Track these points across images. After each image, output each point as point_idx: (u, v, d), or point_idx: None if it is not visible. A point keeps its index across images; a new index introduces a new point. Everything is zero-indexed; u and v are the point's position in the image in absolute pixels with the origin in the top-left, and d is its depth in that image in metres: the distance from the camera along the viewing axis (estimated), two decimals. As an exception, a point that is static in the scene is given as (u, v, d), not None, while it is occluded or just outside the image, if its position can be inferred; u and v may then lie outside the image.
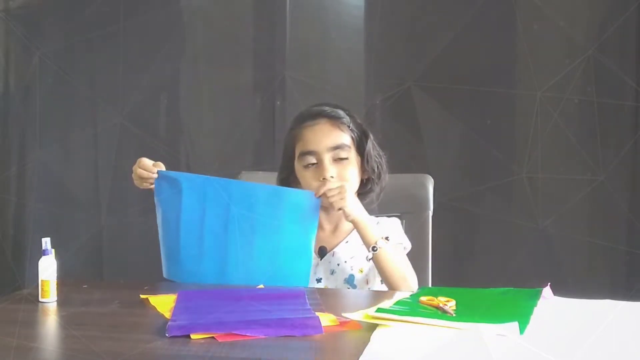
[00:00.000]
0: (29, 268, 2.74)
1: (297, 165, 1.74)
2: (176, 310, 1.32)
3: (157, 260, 2.70)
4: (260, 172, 1.96)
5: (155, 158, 2.71)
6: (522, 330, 1.14)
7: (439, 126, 2.55)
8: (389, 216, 1.82)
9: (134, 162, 1.70)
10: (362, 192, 1.77)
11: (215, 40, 2.71)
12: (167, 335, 1.16)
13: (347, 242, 1.75)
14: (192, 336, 1.15)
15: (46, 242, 1.43)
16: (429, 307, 1.28)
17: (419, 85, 2.51)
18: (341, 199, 1.59)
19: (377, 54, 2.60)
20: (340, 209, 1.60)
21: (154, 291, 1.46)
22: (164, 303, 1.37)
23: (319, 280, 1.72)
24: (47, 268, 1.41)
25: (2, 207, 2.83)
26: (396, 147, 2.55)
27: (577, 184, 2.44)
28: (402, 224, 1.82)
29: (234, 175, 1.85)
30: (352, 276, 1.71)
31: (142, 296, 1.42)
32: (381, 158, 1.78)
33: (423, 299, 1.32)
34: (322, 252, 1.74)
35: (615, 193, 2.41)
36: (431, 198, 1.87)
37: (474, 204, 2.46)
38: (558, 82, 2.42)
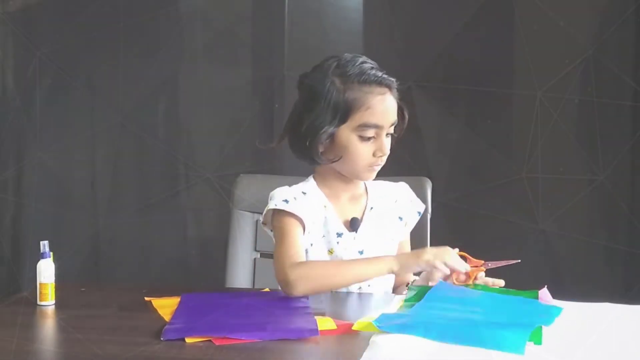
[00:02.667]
0: (28, 268, 2.74)
1: (349, 133, 1.54)
2: (177, 313, 1.32)
3: (155, 261, 2.72)
4: (259, 175, 1.95)
5: (154, 158, 2.74)
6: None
7: (439, 126, 2.55)
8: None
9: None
10: None
11: (214, 40, 2.71)
12: (161, 338, 1.16)
13: (371, 208, 1.64)
14: (187, 340, 1.15)
15: (44, 244, 1.42)
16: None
17: (419, 85, 2.51)
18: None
19: (377, 54, 2.59)
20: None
21: (158, 293, 1.46)
22: (166, 306, 1.37)
23: (361, 252, 1.61)
24: (46, 271, 1.40)
25: (1, 208, 2.83)
26: (396, 147, 2.56)
27: (577, 184, 2.44)
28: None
29: (232, 177, 1.85)
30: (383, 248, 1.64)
31: (146, 298, 1.42)
32: None
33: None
34: (355, 223, 1.61)
35: (615, 193, 2.41)
36: (429, 200, 1.86)
37: (473, 204, 2.46)
38: (558, 82, 2.42)
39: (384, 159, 1.59)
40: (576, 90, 2.41)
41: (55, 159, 2.79)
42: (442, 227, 1.97)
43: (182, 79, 2.74)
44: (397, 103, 1.59)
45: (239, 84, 2.69)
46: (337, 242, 1.59)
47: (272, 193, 1.59)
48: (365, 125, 1.54)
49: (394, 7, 2.54)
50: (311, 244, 1.58)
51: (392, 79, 1.59)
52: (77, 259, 2.71)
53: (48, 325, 1.32)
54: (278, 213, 1.55)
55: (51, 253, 1.43)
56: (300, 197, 1.58)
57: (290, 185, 1.64)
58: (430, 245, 1.86)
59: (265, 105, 2.65)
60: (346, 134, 1.55)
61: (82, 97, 2.76)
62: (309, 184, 1.64)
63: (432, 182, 1.89)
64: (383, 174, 1.85)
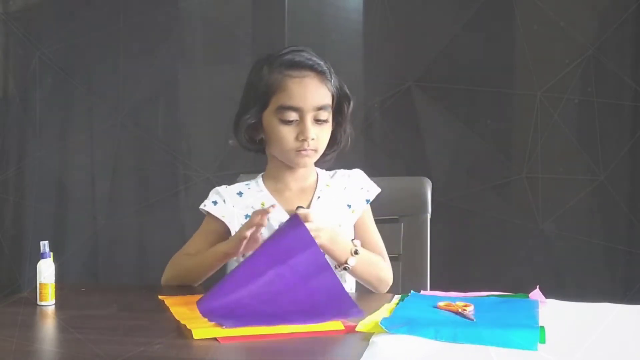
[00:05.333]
0: (28, 268, 2.74)
1: (271, 117, 1.59)
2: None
3: (154, 261, 2.71)
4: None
5: (154, 158, 2.74)
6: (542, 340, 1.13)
7: (439, 126, 2.55)
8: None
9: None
10: (323, 154, 1.66)
11: (214, 40, 2.71)
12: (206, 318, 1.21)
13: (319, 197, 1.66)
14: (195, 336, 1.16)
15: (44, 244, 1.43)
16: (448, 312, 1.28)
17: (419, 85, 2.51)
18: (317, 237, 1.43)
19: (377, 54, 2.60)
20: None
21: (158, 293, 1.46)
22: (178, 304, 1.37)
23: None
24: (46, 271, 1.41)
25: (1, 208, 2.83)
26: (396, 147, 2.57)
27: (577, 184, 2.44)
28: (400, 227, 1.81)
29: (232, 176, 1.84)
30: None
31: (160, 297, 1.42)
32: (351, 127, 1.68)
33: (441, 303, 1.31)
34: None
35: (615, 193, 2.41)
36: (429, 201, 1.86)
37: (473, 204, 2.45)
38: (558, 82, 2.41)
39: (315, 144, 1.58)
40: (576, 90, 2.41)
41: (55, 159, 2.79)
42: (442, 227, 1.97)
43: (182, 79, 2.74)
44: (334, 89, 1.60)
45: (239, 84, 2.68)
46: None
47: (211, 191, 1.69)
48: (282, 107, 1.57)
49: (394, 7, 2.54)
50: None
51: (317, 62, 1.60)
52: (77, 259, 2.71)
53: (48, 325, 1.32)
54: (207, 212, 1.65)
55: (51, 253, 1.43)
56: (232, 199, 1.66)
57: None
58: (430, 245, 1.86)
59: (265, 106, 2.65)
60: (269, 118, 1.60)
61: (82, 97, 2.76)
62: (254, 182, 1.70)
63: (432, 182, 1.89)
64: (383, 174, 1.86)
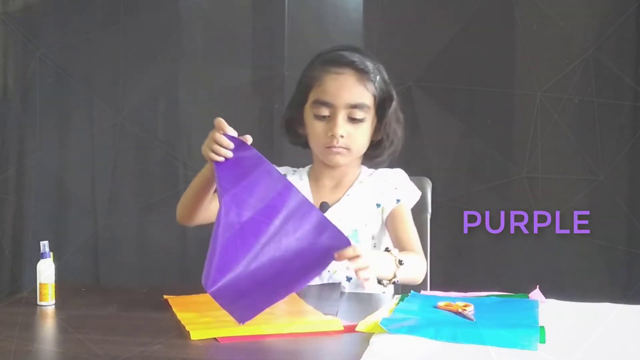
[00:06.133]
0: (28, 268, 2.74)
1: (308, 111, 1.63)
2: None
3: (155, 261, 2.71)
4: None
5: (154, 158, 2.73)
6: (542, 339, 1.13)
7: (439, 126, 2.55)
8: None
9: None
10: (370, 156, 1.69)
11: (214, 40, 2.71)
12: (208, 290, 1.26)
13: (348, 195, 1.69)
14: (192, 337, 1.16)
15: (44, 244, 1.43)
16: (448, 312, 1.28)
17: (419, 85, 2.51)
18: (367, 270, 1.35)
19: (377, 54, 2.59)
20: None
21: (159, 294, 1.46)
22: (181, 304, 1.38)
23: None
24: (46, 271, 1.41)
25: (1, 208, 2.83)
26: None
27: (577, 184, 2.44)
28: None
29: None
30: (355, 231, 1.66)
31: (165, 297, 1.42)
32: (400, 128, 1.67)
33: (441, 303, 1.31)
34: (323, 208, 1.66)
35: (615, 193, 2.41)
36: (429, 201, 1.86)
37: (473, 204, 2.45)
38: (558, 82, 2.41)
39: (346, 143, 1.59)
40: (576, 90, 2.41)
41: (55, 159, 2.78)
42: (442, 227, 1.97)
43: (182, 79, 2.74)
44: (376, 90, 1.60)
45: (239, 84, 2.69)
46: None
47: None
48: (316, 102, 1.59)
49: (394, 7, 2.53)
50: None
51: (360, 60, 1.60)
52: (77, 259, 2.71)
53: (48, 325, 1.32)
54: None
55: (51, 253, 1.43)
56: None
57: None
58: (430, 245, 1.86)
59: (265, 105, 2.65)
60: (307, 112, 1.63)
61: (82, 97, 2.76)
62: (301, 170, 1.74)
63: (432, 182, 1.89)
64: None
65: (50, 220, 2.78)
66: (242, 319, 1.20)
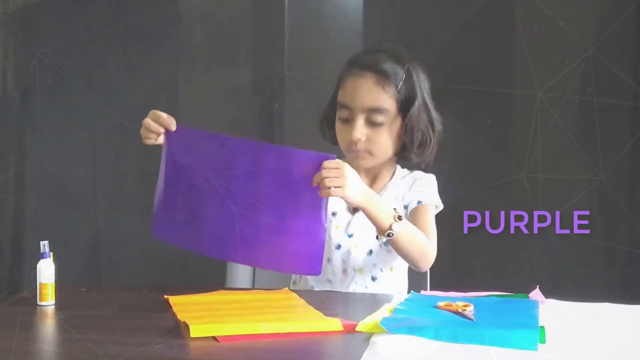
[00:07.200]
0: (28, 268, 2.74)
1: (337, 113, 1.63)
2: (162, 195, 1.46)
3: (155, 261, 2.71)
4: None
5: (154, 158, 2.72)
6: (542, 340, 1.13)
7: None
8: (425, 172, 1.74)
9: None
10: (401, 157, 1.67)
11: (214, 40, 2.71)
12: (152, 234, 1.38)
13: (380, 196, 1.65)
14: (192, 334, 1.16)
15: (44, 244, 1.43)
16: (448, 312, 1.28)
17: (419, 85, 2.51)
18: (339, 186, 1.38)
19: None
20: (341, 198, 1.42)
21: (159, 293, 1.46)
22: (181, 304, 1.38)
23: (350, 236, 1.65)
24: (46, 271, 1.41)
25: (1, 208, 2.83)
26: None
27: (577, 184, 2.44)
28: None
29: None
30: None
31: (165, 296, 1.43)
32: (431, 128, 1.63)
33: (441, 303, 1.31)
34: (356, 211, 1.66)
35: (615, 193, 2.41)
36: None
37: (473, 204, 2.45)
38: (558, 82, 2.41)
39: (366, 146, 1.58)
40: (576, 90, 2.41)
41: (55, 159, 2.78)
42: (442, 227, 1.96)
43: (182, 79, 2.74)
44: (399, 94, 1.57)
45: (239, 84, 2.69)
46: (330, 221, 1.66)
47: None
48: (339, 104, 1.60)
49: (394, 8, 2.54)
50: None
51: (384, 61, 1.58)
52: (77, 259, 2.71)
53: (48, 325, 1.32)
54: None
55: (51, 253, 1.43)
56: None
57: None
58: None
59: (265, 105, 2.65)
60: (337, 113, 1.62)
61: (82, 97, 2.76)
62: None
63: (432, 182, 1.89)
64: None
65: (50, 221, 2.78)
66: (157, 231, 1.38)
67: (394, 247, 1.53)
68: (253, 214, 1.42)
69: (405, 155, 1.66)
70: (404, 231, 1.49)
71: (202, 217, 1.46)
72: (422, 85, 1.63)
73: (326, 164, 1.38)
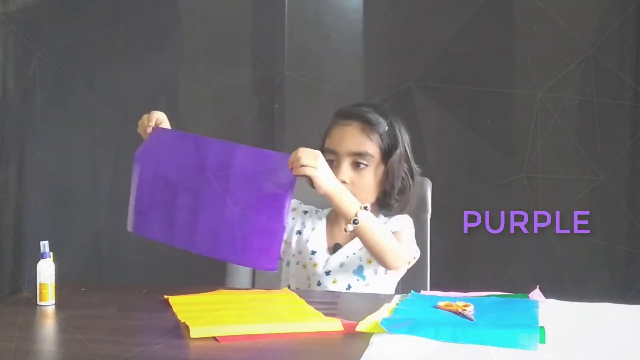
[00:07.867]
0: (28, 268, 2.74)
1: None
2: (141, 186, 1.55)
3: (155, 261, 2.71)
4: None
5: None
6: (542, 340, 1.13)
7: (439, 126, 2.55)
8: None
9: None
10: (381, 204, 1.73)
11: (214, 40, 2.71)
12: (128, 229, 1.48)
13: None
14: (192, 335, 1.16)
15: (44, 245, 1.43)
16: (448, 312, 1.28)
17: (419, 85, 2.51)
18: (313, 167, 1.47)
19: (377, 54, 2.60)
20: (311, 177, 1.49)
21: (159, 293, 1.46)
22: (181, 304, 1.38)
23: (327, 273, 1.71)
24: (46, 271, 1.41)
25: (1, 208, 2.83)
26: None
27: (577, 184, 2.44)
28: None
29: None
30: (361, 267, 1.70)
31: (165, 296, 1.43)
32: (410, 177, 1.72)
33: (441, 303, 1.32)
34: (336, 248, 1.73)
35: (615, 193, 2.41)
36: (429, 201, 1.86)
37: (473, 204, 2.45)
38: (558, 82, 2.41)
39: (349, 188, 1.62)
40: (576, 90, 2.41)
41: (55, 159, 2.78)
42: (442, 227, 1.97)
43: (182, 79, 2.74)
44: (382, 141, 1.68)
45: (239, 84, 2.69)
46: (310, 259, 1.74)
47: None
48: (325, 149, 1.71)
49: (394, 8, 2.54)
50: (296, 253, 1.76)
51: (368, 113, 1.70)
52: (77, 259, 2.71)
53: (48, 325, 1.32)
54: None
55: (51, 253, 1.43)
56: (297, 211, 1.81)
57: None
58: (430, 245, 1.86)
59: (265, 105, 2.65)
60: None
61: (82, 97, 2.76)
62: (322, 212, 1.81)
63: (432, 182, 1.89)
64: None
65: (50, 221, 2.78)
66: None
67: (360, 238, 1.59)
68: (219, 209, 1.50)
69: (386, 201, 1.73)
70: (369, 221, 1.56)
71: (174, 210, 1.55)
72: (404, 137, 1.74)
73: (302, 148, 1.48)
